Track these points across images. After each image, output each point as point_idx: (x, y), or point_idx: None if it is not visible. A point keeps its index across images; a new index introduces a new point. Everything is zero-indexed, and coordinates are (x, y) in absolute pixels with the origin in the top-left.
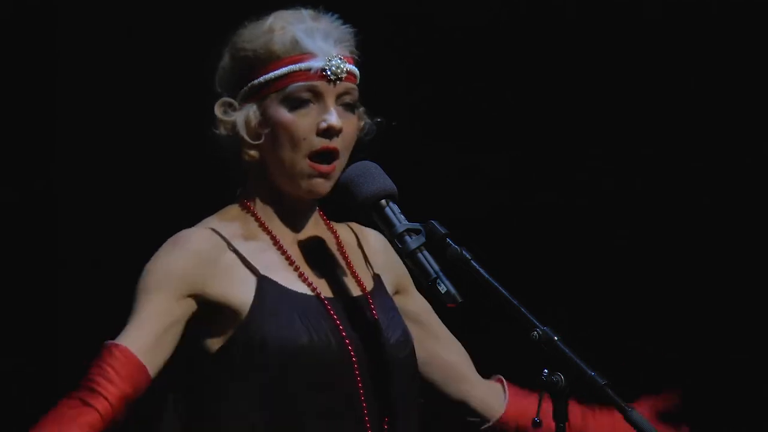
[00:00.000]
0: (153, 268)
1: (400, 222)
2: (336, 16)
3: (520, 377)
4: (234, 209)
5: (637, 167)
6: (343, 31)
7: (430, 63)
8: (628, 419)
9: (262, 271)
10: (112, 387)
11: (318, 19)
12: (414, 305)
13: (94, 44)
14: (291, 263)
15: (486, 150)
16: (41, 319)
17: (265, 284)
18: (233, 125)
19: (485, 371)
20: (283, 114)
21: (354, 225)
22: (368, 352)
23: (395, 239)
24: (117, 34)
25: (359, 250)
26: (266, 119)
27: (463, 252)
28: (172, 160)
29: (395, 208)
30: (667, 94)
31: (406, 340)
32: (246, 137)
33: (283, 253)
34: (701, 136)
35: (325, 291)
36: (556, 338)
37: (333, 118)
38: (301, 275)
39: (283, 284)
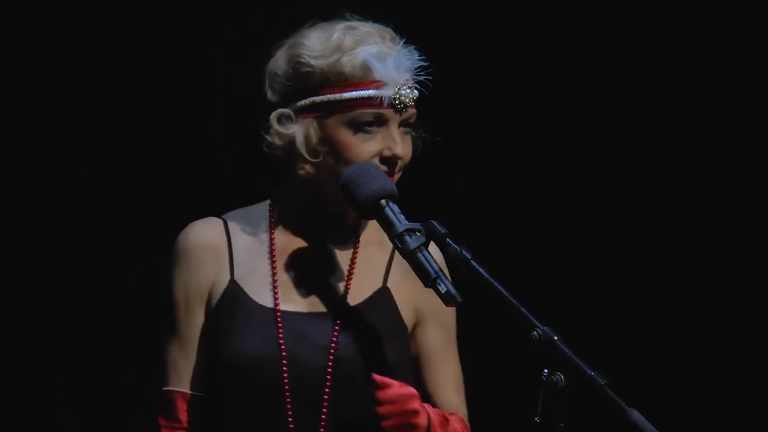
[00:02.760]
0: (171, 280)
1: (400, 222)
2: (403, 40)
3: (521, 377)
4: (262, 205)
5: (635, 166)
6: (413, 57)
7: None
8: (628, 419)
9: (238, 275)
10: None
11: (386, 41)
12: (425, 341)
13: (94, 44)
14: (273, 273)
15: (486, 150)
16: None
17: (231, 289)
18: (291, 138)
19: (485, 371)
20: (348, 136)
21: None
22: (310, 371)
23: (395, 239)
24: (117, 34)
25: (381, 263)
26: (327, 138)
27: (463, 252)
28: (171, 159)
29: (395, 208)
30: (666, 93)
31: (369, 363)
32: (305, 154)
33: (272, 261)
34: (700, 136)
35: (291, 305)
36: (556, 338)
37: (399, 148)
38: (274, 287)
39: (248, 292)
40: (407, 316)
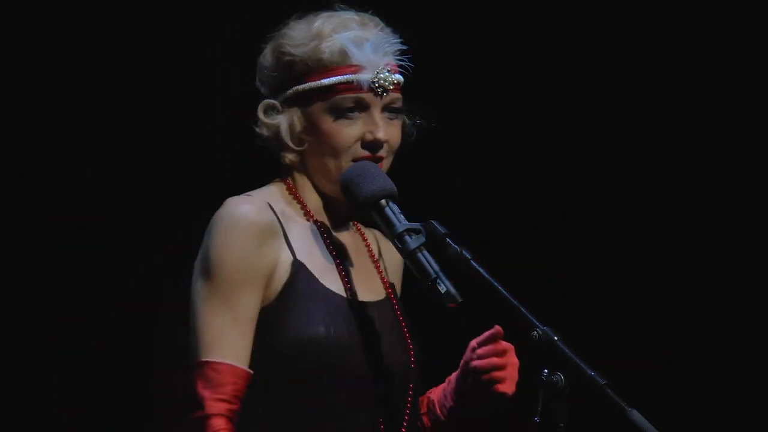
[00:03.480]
0: (229, 254)
1: (400, 222)
2: (384, 23)
3: (521, 377)
4: (280, 188)
5: (636, 167)
6: (392, 40)
7: (430, 62)
8: (628, 419)
9: (303, 256)
10: (232, 404)
11: (367, 26)
12: None
13: (94, 44)
14: (333, 257)
15: (486, 150)
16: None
17: (299, 271)
18: (276, 129)
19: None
20: (329, 123)
21: (378, 233)
22: (389, 356)
23: (395, 239)
24: (117, 34)
25: (381, 258)
26: (310, 126)
27: (463, 252)
28: (171, 159)
29: (395, 208)
30: (666, 93)
31: (419, 349)
32: (290, 143)
33: (327, 246)
34: (702, 136)
35: (357, 290)
36: (556, 338)
37: (380, 132)
38: (340, 271)
39: (317, 276)
40: None
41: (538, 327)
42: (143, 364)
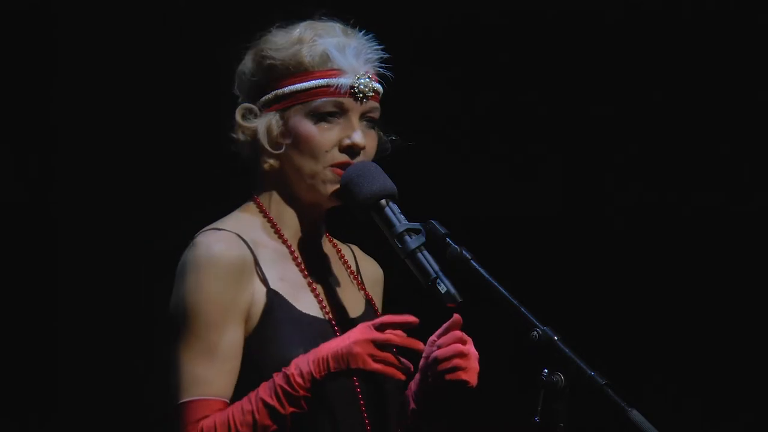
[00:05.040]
0: (206, 296)
1: (400, 222)
2: (365, 32)
3: (521, 377)
4: (250, 210)
5: (636, 169)
6: (373, 49)
7: (432, 62)
8: (628, 419)
9: (275, 284)
10: None
11: (348, 34)
12: None
13: (94, 44)
14: (305, 276)
15: (485, 152)
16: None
17: (274, 300)
18: (254, 132)
19: (485, 371)
20: (308, 127)
21: (355, 248)
22: (377, 378)
23: (395, 239)
24: (117, 34)
25: (359, 274)
26: (288, 129)
27: (463, 252)
28: (172, 159)
29: (395, 208)
30: (667, 92)
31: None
32: (267, 146)
33: (299, 266)
34: (702, 139)
35: (334, 309)
36: (556, 338)
37: (358, 136)
38: (314, 291)
39: (292, 302)
40: None
41: (538, 327)
42: (144, 364)
